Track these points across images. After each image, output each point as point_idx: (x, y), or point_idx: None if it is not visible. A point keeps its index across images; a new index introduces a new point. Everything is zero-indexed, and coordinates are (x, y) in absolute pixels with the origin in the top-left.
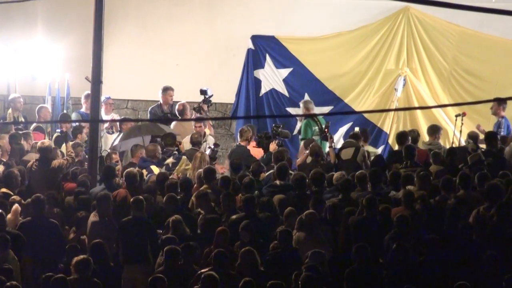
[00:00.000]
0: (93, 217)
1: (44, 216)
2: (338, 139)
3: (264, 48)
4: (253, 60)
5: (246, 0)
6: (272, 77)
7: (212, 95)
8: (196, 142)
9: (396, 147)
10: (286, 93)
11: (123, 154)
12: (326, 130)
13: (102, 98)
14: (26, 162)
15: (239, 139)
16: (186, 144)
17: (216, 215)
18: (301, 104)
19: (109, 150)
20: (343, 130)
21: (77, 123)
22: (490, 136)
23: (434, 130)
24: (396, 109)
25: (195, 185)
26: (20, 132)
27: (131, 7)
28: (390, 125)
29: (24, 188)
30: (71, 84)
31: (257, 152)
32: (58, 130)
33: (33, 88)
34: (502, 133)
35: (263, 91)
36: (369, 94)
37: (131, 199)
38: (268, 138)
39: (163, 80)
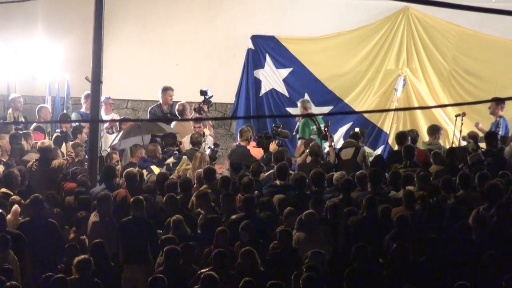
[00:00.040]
0: (93, 217)
1: (43, 216)
2: (338, 139)
3: (264, 48)
4: (253, 60)
5: (246, 0)
6: (272, 77)
7: (212, 96)
8: (196, 142)
9: (396, 147)
10: (286, 93)
11: (123, 153)
12: (326, 129)
13: (102, 98)
14: (26, 162)
15: (239, 139)
16: (185, 143)
17: (217, 215)
18: (298, 104)
19: (109, 150)
20: (343, 130)
21: (77, 123)
22: (490, 136)
23: (434, 130)
24: (396, 109)
25: (195, 185)
26: (20, 132)
27: (131, 7)
28: (390, 125)
29: (24, 188)
30: (71, 84)
31: (257, 152)
32: (58, 130)
33: (33, 88)
34: (500, 133)
35: (263, 91)
36: (369, 94)
37: (131, 199)
38: (268, 138)
39: (163, 80)
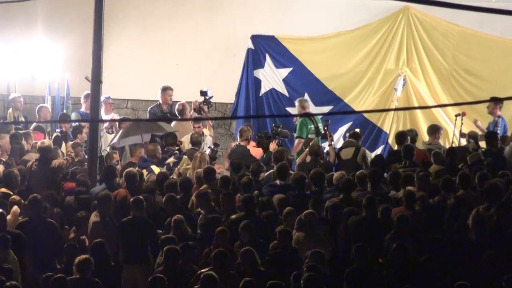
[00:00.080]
0: (94, 217)
1: (41, 216)
2: (338, 138)
3: (264, 48)
4: (253, 60)
5: (246, 0)
6: (272, 77)
7: (212, 97)
8: (196, 142)
9: (396, 147)
10: (286, 93)
11: (122, 153)
12: (325, 128)
13: (102, 98)
14: (26, 162)
15: (238, 139)
16: (185, 143)
17: (217, 214)
18: (296, 103)
19: (108, 149)
20: (343, 130)
21: (77, 123)
22: (490, 136)
23: (434, 130)
24: (396, 109)
25: (195, 185)
26: (21, 132)
27: (131, 7)
28: (390, 125)
29: (24, 188)
30: (71, 84)
31: (256, 152)
32: (58, 130)
33: (33, 88)
34: (498, 132)
35: (263, 91)
36: (369, 94)
37: (131, 199)
38: (268, 138)
39: (163, 80)
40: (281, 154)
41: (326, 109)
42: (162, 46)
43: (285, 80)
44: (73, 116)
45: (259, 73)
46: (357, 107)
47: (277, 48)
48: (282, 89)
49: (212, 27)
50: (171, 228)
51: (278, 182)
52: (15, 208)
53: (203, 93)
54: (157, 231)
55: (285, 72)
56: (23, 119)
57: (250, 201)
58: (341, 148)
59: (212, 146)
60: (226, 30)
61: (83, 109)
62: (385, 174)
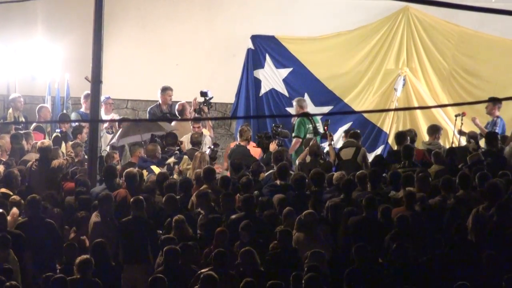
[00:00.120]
0: (95, 217)
1: (40, 217)
2: (338, 138)
3: (264, 48)
4: (253, 60)
5: (246, 0)
6: (272, 77)
7: (212, 97)
8: (196, 142)
9: (396, 147)
10: (286, 93)
11: (122, 152)
12: (325, 128)
13: (102, 98)
14: (26, 162)
15: (238, 139)
16: (184, 143)
17: (218, 214)
18: (294, 103)
19: (108, 149)
20: (343, 130)
21: (77, 123)
22: (490, 136)
23: (434, 130)
24: (396, 109)
25: (194, 186)
26: (21, 132)
27: (131, 7)
28: (390, 125)
29: (24, 188)
30: (70, 84)
31: (254, 152)
32: (58, 130)
33: (32, 88)
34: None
35: (263, 91)
36: (368, 94)
37: (131, 199)
38: (268, 138)
39: (163, 80)
40: (281, 154)
41: (326, 109)
42: (162, 46)
43: (285, 80)
44: (73, 116)
45: (259, 73)
46: (357, 107)
47: (277, 48)
48: (282, 89)
49: (212, 27)
50: (171, 228)
51: (278, 182)
52: (14, 210)
53: (203, 94)
54: (157, 231)
55: (285, 72)
56: (23, 119)
57: (250, 201)
58: (341, 148)
59: (212, 147)
60: (226, 30)
61: (82, 109)
62: (385, 175)
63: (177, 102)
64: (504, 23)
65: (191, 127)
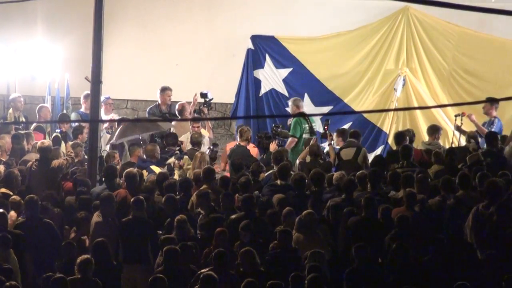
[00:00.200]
0: (96, 217)
1: (38, 217)
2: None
3: (264, 48)
4: (253, 60)
5: (246, 0)
6: (271, 77)
7: (212, 99)
8: (196, 142)
9: (395, 147)
10: (286, 93)
11: (123, 152)
12: (326, 127)
13: (102, 98)
14: (26, 162)
15: (238, 139)
16: (184, 142)
17: (218, 214)
18: (290, 103)
19: (108, 149)
20: None
21: (77, 124)
22: (490, 136)
23: (434, 130)
24: (396, 109)
25: (194, 186)
26: (22, 132)
27: (131, 7)
28: (390, 125)
29: (24, 188)
30: (70, 84)
31: (251, 152)
32: (58, 130)
33: (32, 88)
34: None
35: (262, 91)
36: (368, 94)
37: (132, 199)
38: (268, 138)
39: (163, 80)
40: (280, 154)
41: (326, 109)
42: (162, 46)
43: (285, 81)
44: (73, 116)
45: (259, 73)
46: (357, 107)
47: (277, 48)
48: (282, 89)
49: (212, 27)
50: (172, 228)
51: (279, 182)
52: (12, 213)
53: (203, 95)
54: (157, 231)
55: (285, 72)
56: (24, 119)
57: (250, 201)
58: (341, 148)
59: (212, 147)
60: (226, 30)
61: (82, 109)
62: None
63: (176, 102)
64: (504, 23)
65: (190, 126)
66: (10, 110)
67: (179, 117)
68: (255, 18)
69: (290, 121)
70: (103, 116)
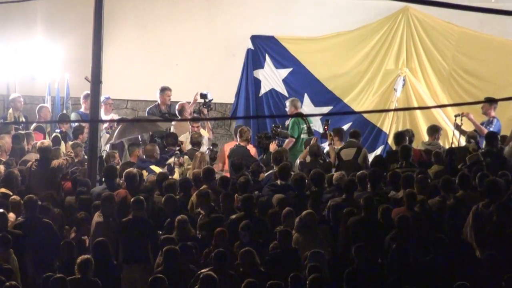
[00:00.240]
0: (97, 218)
1: (37, 217)
2: None
3: (264, 48)
4: (253, 60)
5: (246, 0)
6: (271, 77)
7: (212, 99)
8: (196, 142)
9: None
10: (286, 93)
11: (123, 152)
12: (326, 127)
13: (102, 98)
14: (26, 162)
15: (238, 139)
16: (184, 142)
17: (219, 214)
18: (287, 103)
19: (107, 149)
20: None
21: (77, 124)
22: (490, 136)
23: (434, 130)
24: (396, 109)
25: (193, 186)
26: (23, 132)
27: (131, 7)
28: (390, 125)
29: (24, 188)
30: (70, 84)
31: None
32: (57, 130)
33: (32, 88)
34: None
35: (262, 91)
36: (368, 94)
37: (132, 199)
38: (268, 138)
39: (162, 80)
40: (280, 154)
41: (326, 109)
42: (162, 46)
43: (284, 81)
44: (73, 116)
45: (259, 74)
46: (356, 108)
47: (277, 48)
48: (282, 89)
49: (212, 27)
50: (172, 228)
51: (279, 182)
52: (11, 214)
53: (203, 96)
54: (157, 231)
55: (284, 72)
56: (24, 119)
57: (250, 201)
58: (341, 148)
59: (211, 147)
60: (226, 30)
61: (82, 109)
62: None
63: (176, 102)
64: (504, 23)
65: (190, 126)
66: (10, 110)
67: (179, 117)
68: (255, 18)
69: (288, 121)
70: (103, 116)
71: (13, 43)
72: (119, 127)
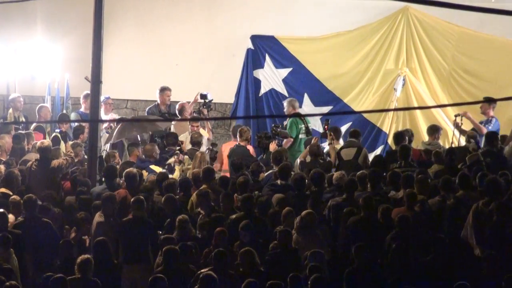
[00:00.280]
0: (98, 217)
1: (36, 216)
2: None
3: (264, 48)
4: (253, 60)
5: (246, 0)
6: (271, 77)
7: (212, 100)
8: (196, 142)
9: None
10: (286, 93)
11: (122, 152)
12: (326, 127)
13: (102, 98)
14: (26, 162)
15: (238, 139)
16: (184, 142)
17: (219, 214)
18: (285, 103)
19: (107, 149)
20: (342, 130)
21: (77, 124)
22: (490, 136)
23: (434, 130)
24: (396, 109)
25: (193, 186)
26: (23, 132)
27: (131, 7)
28: (390, 125)
29: (24, 188)
30: (70, 84)
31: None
32: (57, 130)
33: (32, 88)
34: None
35: (262, 91)
36: (368, 94)
37: (132, 199)
38: (268, 138)
39: (162, 80)
40: (280, 154)
41: (325, 109)
42: (162, 46)
43: (284, 80)
44: (73, 116)
45: (259, 73)
46: (356, 107)
47: (277, 48)
48: (281, 89)
49: (212, 27)
50: (172, 228)
51: (279, 182)
52: (11, 215)
53: (203, 96)
54: (157, 231)
55: (284, 72)
56: (24, 119)
57: (250, 201)
58: (341, 148)
59: (211, 147)
60: (226, 30)
61: (82, 109)
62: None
63: (176, 102)
64: (504, 23)
65: (189, 126)
66: (10, 110)
67: (179, 117)
68: (255, 18)
69: (286, 121)
70: (103, 116)
71: (13, 43)
72: (119, 126)
